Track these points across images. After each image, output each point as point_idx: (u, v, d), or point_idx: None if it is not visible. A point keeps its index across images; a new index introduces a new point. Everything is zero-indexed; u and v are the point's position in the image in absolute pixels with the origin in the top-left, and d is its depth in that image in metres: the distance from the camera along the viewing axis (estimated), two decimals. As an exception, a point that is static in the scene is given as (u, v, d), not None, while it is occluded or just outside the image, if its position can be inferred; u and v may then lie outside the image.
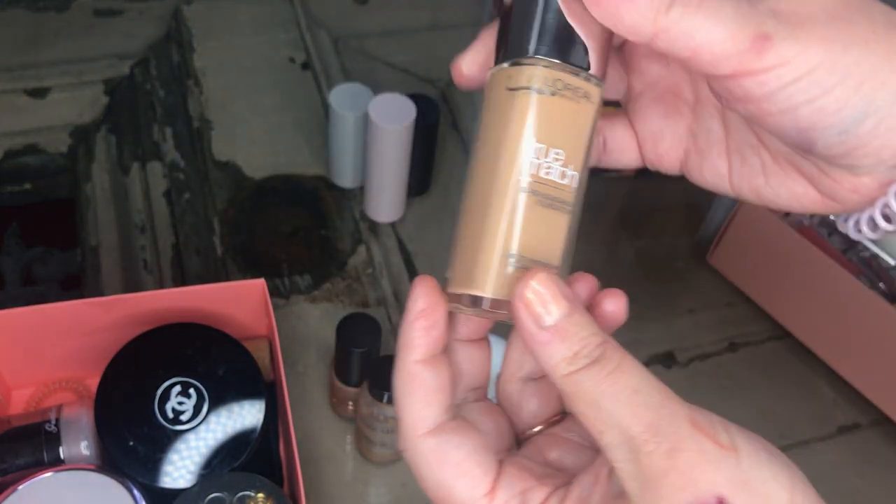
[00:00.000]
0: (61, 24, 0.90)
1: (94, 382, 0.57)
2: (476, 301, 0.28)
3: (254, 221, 0.77)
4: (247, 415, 0.56)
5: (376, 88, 0.72)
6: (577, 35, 0.28)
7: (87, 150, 0.80)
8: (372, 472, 0.64)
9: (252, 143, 0.82)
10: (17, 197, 0.77)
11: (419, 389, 0.28)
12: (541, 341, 0.26)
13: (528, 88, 0.27)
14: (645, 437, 0.25)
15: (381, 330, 0.60)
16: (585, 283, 0.30)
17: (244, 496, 0.51)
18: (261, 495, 0.52)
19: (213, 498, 0.51)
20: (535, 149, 0.27)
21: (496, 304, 0.27)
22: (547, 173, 0.27)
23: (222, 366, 0.57)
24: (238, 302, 0.61)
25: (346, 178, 0.78)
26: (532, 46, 0.27)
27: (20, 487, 0.51)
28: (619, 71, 0.34)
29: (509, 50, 0.28)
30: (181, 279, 0.72)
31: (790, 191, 0.31)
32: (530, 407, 0.31)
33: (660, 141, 0.33)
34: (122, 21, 0.91)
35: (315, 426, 0.65)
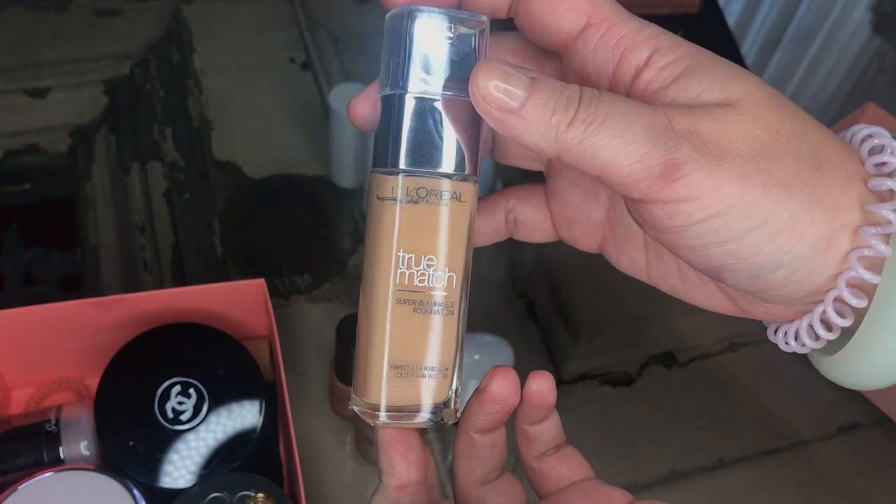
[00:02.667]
0: (61, 24, 0.90)
1: (94, 382, 0.57)
2: (373, 411, 0.28)
3: (254, 221, 0.77)
4: (247, 415, 0.56)
5: (376, 88, 0.72)
6: (443, 140, 0.27)
7: (87, 150, 0.80)
8: (372, 472, 0.64)
9: (252, 143, 0.82)
10: (17, 197, 0.77)
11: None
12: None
13: (392, 199, 0.27)
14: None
15: (381, 330, 0.60)
16: (504, 379, 0.29)
17: (244, 496, 0.51)
18: (261, 495, 0.52)
19: (213, 498, 0.51)
20: (406, 258, 0.27)
21: (393, 412, 0.28)
22: (421, 280, 0.27)
23: (222, 366, 0.57)
24: (238, 302, 0.61)
25: (346, 178, 0.78)
26: (392, 156, 0.27)
27: (20, 487, 0.51)
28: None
29: (377, 157, 0.28)
30: (181, 279, 0.72)
31: (706, 298, 0.30)
32: None
33: (575, 224, 0.32)
34: (122, 21, 0.91)
35: (315, 426, 0.65)
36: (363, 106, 0.29)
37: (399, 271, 0.27)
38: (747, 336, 0.75)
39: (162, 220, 0.76)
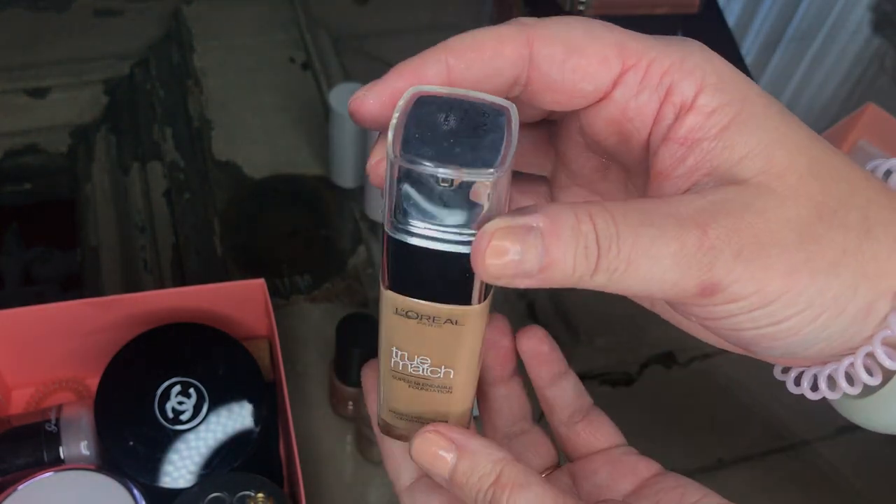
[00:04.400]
0: (61, 24, 0.90)
1: (94, 382, 0.57)
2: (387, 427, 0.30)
3: (254, 221, 0.77)
4: (247, 415, 0.56)
5: (376, 88, 0.72)
6: (440, 279, 0.24)
7: (87, 150, 0.80)
8: (372, 472, 0.64)
9: (252, 143, 0.82)
10: (17, 197, 0.77)
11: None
12: (451, 490, 0.27)
13: (391, 309, 0.25)
14: None
15: (381, 330, 0.60)
16: (494, 327, 0.30)
17: (244, 496, 0.51)
18: (261, 495, 0.52)
19: (213, 498, 0.51)
20: (399, 353, 0.27)
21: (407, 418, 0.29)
22: (415, 370, 0.27)
23: (222, 366, 0.57)
24: (238, 302, 0.61)
25: (346, 178, 0.78)
26: (388, 279, 0.25)
27: (20, 487, 0.51)
28: (548, 155, 0.30)
29: (392, 278, 0.25)
30: (181, 279, 0.72)
31: (708, 338, 0.29)
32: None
33: None
34: (122, 21, 0.91)
35: (315, 426, 0.65)
36: (372, 102, 0.25)
37: (393, 360, 0.27)
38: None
39: (162, 220, 0.76)
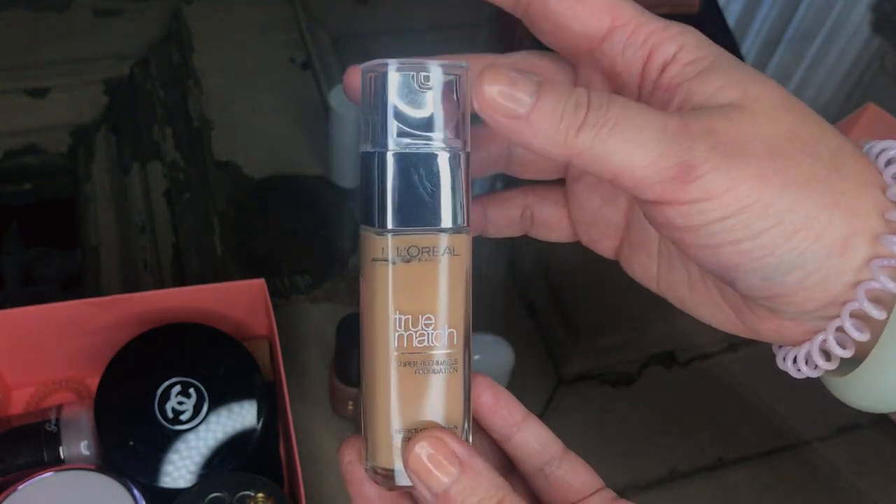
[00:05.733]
0: (61, 24, 0.90)
1: (94, 382, 0.57)
2: (385, 474, 0.28)
3: (254, 221, 0.77)
4: (247, 415, 0.56)
5: (376, 88, 0.72)
6: (430, 194, 0.26)
7: (87, 150, 0.80)
8: (372, 472, 0.64)
9: (252, 143, 0.82)
10: (17, 197, 0.77)
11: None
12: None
13: (384, 260, 0.26)
14: None
15: (381, 330, 0.60)
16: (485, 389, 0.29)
17: (244, 496, 0.51)
18: (261, 495, 0.52)
19: (213, 498, 0.51)
20: (402, 320, 0.26)
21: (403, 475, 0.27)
22: (421, 342, 0.26)
23: (222, 366, 0.57)
24: (238, 302, 0.61)
25: (346, 178, 0.78)
26: (380, 217, 0.26)
27: (20, 487, 0.51)
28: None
29: (363, 214, 0.27)
30: (181, 279, 0.72)
31: (712, 314, 0.29)
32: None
33: (594, 227, 0.32)
34: (122, 21, 0.91)
35: (315, 426, 0.65)
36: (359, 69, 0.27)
37: (397, 334, 0.26)
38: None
39: (162, 220, 0.76)
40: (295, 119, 0.84)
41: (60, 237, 0.75)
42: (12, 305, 0.56)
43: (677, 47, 0.26)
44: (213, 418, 0.55)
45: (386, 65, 0.26)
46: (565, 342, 0.72)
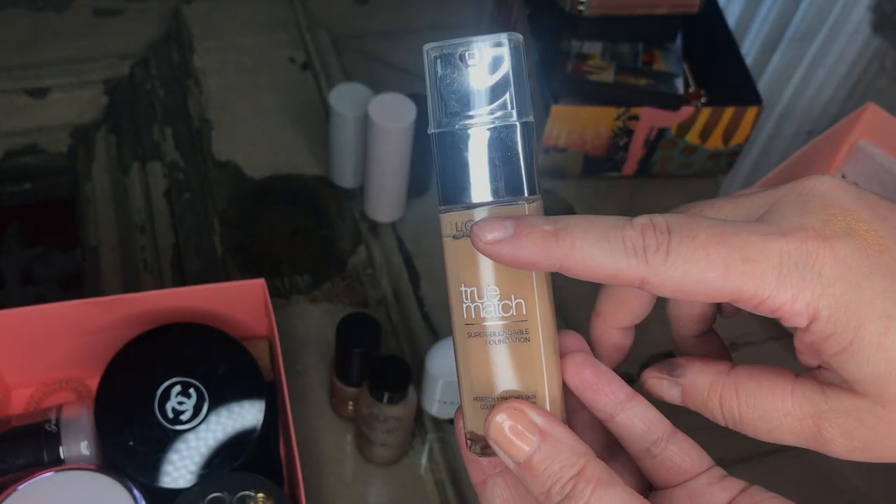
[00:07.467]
0: (61, 24, 0.90)
1: (94, 382, 0.57)
2: (477, 440, 0.28)
3: (254, 221, 0.77)
4: (247, 415, 0.56)
5: (376, 88, 0.72)
6: (487, 167, 0.27)
7: (87, 150, 0.80)
8: (372, 472, 0.64)
9: (252, 143, 0.82)
10: (17, 197, 0.77)
11: None
12: (520, 476, 0.26)
13: (450, 236, 0.27)
14: None
15: (381, 330, 0.60)
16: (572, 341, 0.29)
17: (244, 496, 0.51)
18: (261, 495, 0.52)
19: (213, 498, 0.51)
20: (469, 292, 0.27)
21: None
22: (488, 312, 0.27)
23: (222, 366, 0.57)
24: (238, 302, 0.61)
25: (346, 178, 0.78)
26: (444, 193, 0.27)
27: (20, 487, 0.51)
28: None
29: (439, 195, 0.28)
30: (181, 279, 0.72)
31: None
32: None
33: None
34: (122, 21, 0.91)
35: (315, 426, 0.65)
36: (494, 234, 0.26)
37: (465, 305, 0.27)
38: (747, 336, 0.75)
39: (162, 220, 0.76)
40: (295, 119, 0.84)
41: (60, 237, 0.75)
42: (12, 305, 0.56)
43: (809, 320, 0.24)
44: (213, 418, 0.55)
45: (435, 46, 0.27)
46: (565, 342, 0.72)
